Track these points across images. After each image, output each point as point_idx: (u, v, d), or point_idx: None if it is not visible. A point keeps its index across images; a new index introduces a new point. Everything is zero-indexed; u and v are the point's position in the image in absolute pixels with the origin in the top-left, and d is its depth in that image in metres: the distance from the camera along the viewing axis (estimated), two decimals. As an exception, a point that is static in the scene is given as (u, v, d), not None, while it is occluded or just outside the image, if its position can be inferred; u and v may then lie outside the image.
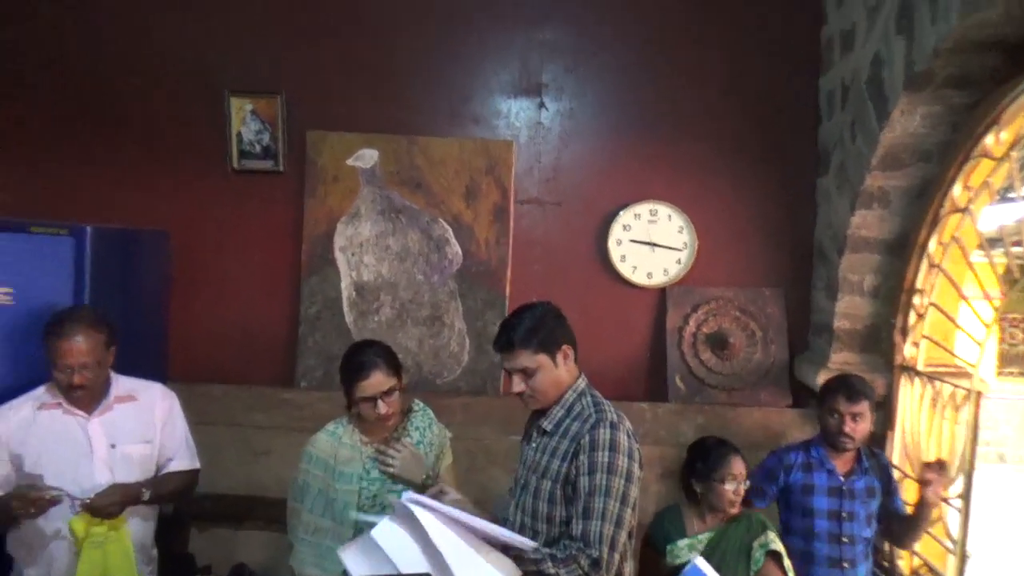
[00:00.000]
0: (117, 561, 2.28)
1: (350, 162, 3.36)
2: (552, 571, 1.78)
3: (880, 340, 2.97)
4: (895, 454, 2.85)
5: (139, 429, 2.41)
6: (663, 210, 3.29)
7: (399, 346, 3.35)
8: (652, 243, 3.28)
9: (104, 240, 2.73)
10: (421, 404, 2.42)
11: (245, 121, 3.39)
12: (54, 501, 2.16)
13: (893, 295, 2.89)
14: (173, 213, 3.36)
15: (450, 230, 3.36)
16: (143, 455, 2.41)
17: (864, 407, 2.52)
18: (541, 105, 3.38)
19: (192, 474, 2.55)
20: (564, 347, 1.98)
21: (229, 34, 3.40)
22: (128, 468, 2.35)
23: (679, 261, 3.29)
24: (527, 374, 1.95)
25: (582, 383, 2.02)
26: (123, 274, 2.89)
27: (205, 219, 3.41)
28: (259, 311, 3.43)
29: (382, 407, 2.18)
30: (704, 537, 2.43)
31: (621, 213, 3.29)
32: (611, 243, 3.29)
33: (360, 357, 2.22)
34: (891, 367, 2.90)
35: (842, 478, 2.55)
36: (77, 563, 2.20)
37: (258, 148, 3.41)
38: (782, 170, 3.29)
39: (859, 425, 2.51)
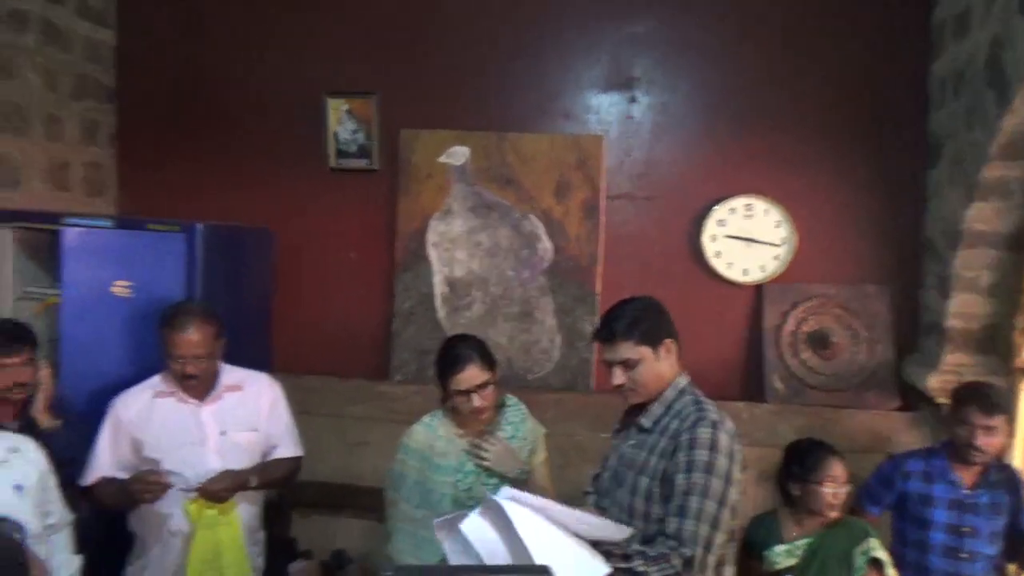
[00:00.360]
0: (228, 542, 2.40)
1: (442, 159, 3.41)
2: (643, 568, 1.74)
3: (998, 341, 2.79)
4: (1016, 464, 2.68)
5: (247, 417, 2.52)
6: (759, 204, 3.19)
7: (490, 342, 3.36)
8: (748, 238, 3.19)
9: (213, 237, 2.86)
10: (514, 399, 2.43)
11: (341, 121, 3.49)
12: (168, 486, 2.29)
13: (1012, 293, 2.71)
14: (276, 211, 3.50)
15: (541, 226, 3.36)
16: (250, 442, 2.51)
17: (999, 421, 2.36)
18: (632, 99, 3.34)
19: (296, 461, 2.65)
20: (666, 341, 1.94)
21: (326, 38, 3.51)
22: (237, 454, 2.46)
23: (777, 257, 3.18)
24: (628, 366, 1.92)
25: (683, 380, 1.98)
26: (230, 269, 3.03)
27: (305, 217, 3.54)
28: (356, 306, 3.53)
29: (476, 400, 2.21)
30: (802, 543, 2.35)
31: (715, 208, 3.21)
32: (705, 239, 3.22)
33: (455, 351, 2.26)
34: (1010, 370, 2.72)
35: (965, 491, 2.41)
36: (191, 543, 2.33)
37: (354, 147, 3.50)
38: (888, 161, 3.14)
39: (993, 439, 2.36)
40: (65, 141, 3.45)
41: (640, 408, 1.98)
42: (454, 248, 3.43)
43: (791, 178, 3.20)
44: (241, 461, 2.45)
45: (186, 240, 2.78)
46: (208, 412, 2.45)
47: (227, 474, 2.38)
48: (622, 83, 3.35)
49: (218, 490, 2.34)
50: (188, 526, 2.35)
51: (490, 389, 2.24)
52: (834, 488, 2.31)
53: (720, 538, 1.81)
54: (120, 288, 2.67)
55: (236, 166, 3.59)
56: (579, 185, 3.33)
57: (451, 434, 2.28)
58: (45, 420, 2.48)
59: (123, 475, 2.38)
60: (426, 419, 2.34)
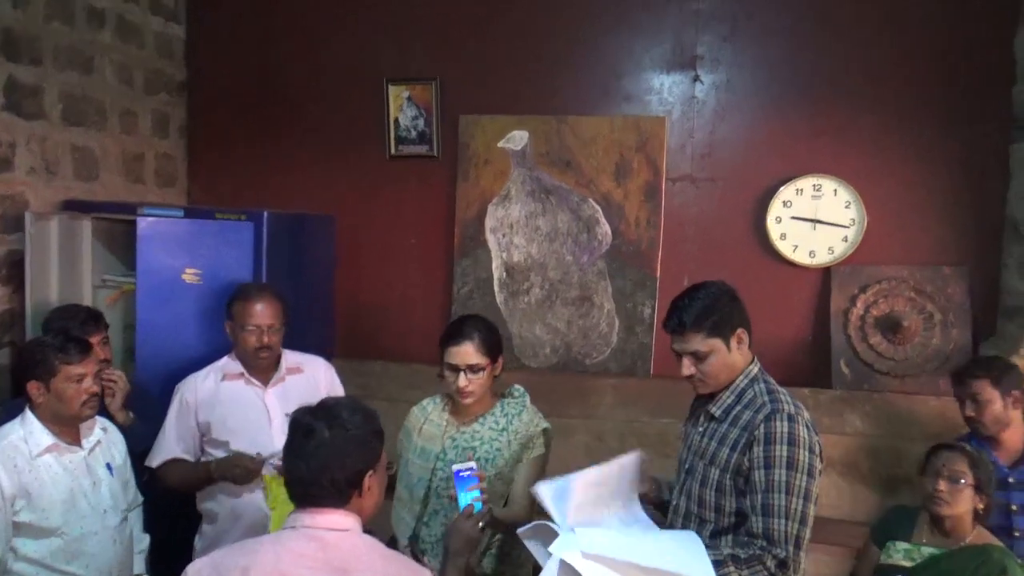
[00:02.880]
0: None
1: (501, 144, 3.40)
2: (735, 574, 1.69)
3: (1085, 325, 2.64)
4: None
5: (307, 398, 2.54)
6: (828, 184, 3.08)
7: (548, 326, 3.39)
8: (816, 220, 3.09)
9: (278, 224, 2.94)
10: (522, 390, 2.29)
11: (402, 108, 3.52)
12: (262, 465, 2.36)
13: (1102, 275, 2.56)
14: (338, 198, 3.56)
15: (600, 210, 3.33)
16: None
17: (980, 386, 2.35)
18: (696, 78, 3.26)
19: None
20: (739, 331, 1.85)
21: (387, 25, 3.54)
22: None
23: (845, 239, 3.07)
24: (698, 358, 1.85)
25: (755, 368, 1.89)
26: (295, 255, 3.10)
27: (366, 203, 3.59)
28: (415, 291, 3.58)
29: (462, 380, 2.12)
30: (927, 551, 2.16)
31: (781, 189, 3.12)
32: (770, 220, 3.13)
33: (461, 325, 2.21)
34: (1098, 355, 2.58)
35: (1006, 470, 2.33)
36: (270, 520, 2.39)
37: (414, 134, 3.53)
38: (966, 137, 2.99)
39: (983, 408, 2.36)
40: (139, 134, 3.58)
41: (711, 396, 1.91)
42: (512, 233, 3.43)
43: (862, 156, 3.08)
44: None
45: (253, 228, 2.85)
46: (272, 394, 2.52)
47: None
48: (685, 62, 3.27)
49: None
50: (261, 502, 2.42)
51: (482, 376, 2.13)
52: (941, 484, 2.12)
53: (809, 534, 1.75)
54: (190, 275, 2.77)
55: (299, 154, 3.66)
56: (640, 168, 3.28)
57: (442, 420, 2.22)
58: (121, 416, 2.60)
59: (189, 457, 2.47)
60: (425, 400, 2.31)
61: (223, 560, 1.45)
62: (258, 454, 2.40)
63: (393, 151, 3.56)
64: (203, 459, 2.48)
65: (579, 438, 3.24)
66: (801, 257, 3.12)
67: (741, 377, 1.87)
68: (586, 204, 3.34)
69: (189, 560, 2.46)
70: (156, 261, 2.74)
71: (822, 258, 3.10)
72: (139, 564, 2.29)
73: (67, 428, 2.12)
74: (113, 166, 3.43)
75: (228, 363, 2.53)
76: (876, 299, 3.02)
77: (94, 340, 2.51)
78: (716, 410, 1.88)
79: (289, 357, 2.60)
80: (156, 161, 3.69)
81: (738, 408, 1.85)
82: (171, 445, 2.46)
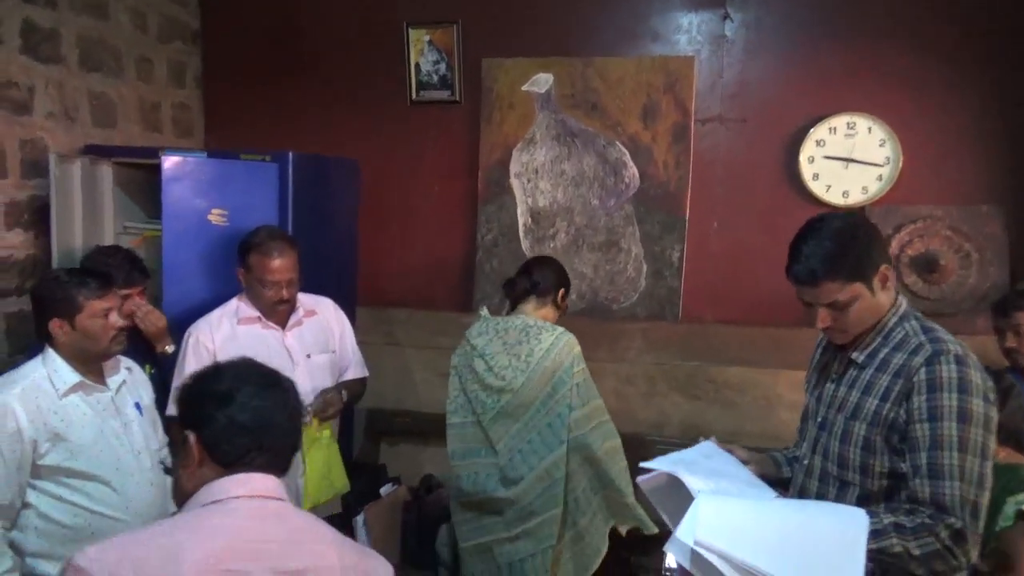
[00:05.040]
0: (333, 458, 2.47)
1: (525, 88, 3.33)
2: (899, 548, 1.44)
3: None
4: None
5: (325, 340, 2.57)
6: (862, 122, 3.01)
7: (574, 272, 3.34)
8: (850, 159, 3.02)
9: (303, 165, 2.88)
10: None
11: (423, 52, 3.45)
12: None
13: None
14: (359, 146, 3.49)
15: (627, 152, 3.27)
16: (331, 363, 2.57)
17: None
18: (725, 16, 3.18)
19: (364, 382, 2.73)
20: (882, 268, 1.59)
21: (406, -34, 3.46)
22: (323, 376, 2.51)
23: (880, 178, 3.01)
24: (837, 308, 1.58)
25: (903, 305, 1.64)
26: (320, 199, 3.06)
27: (388, 151, 3.53)
28: (439, 238, 3.53)
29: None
30: None
31: (814, 128, 3.05)
32: (802, 160, 3.07)
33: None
34: None
35: None
36: (305, 464, 2.38)
37: (435, 78, 3.46)
38: (1006, 72, 2.91)
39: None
40: (155, 82, 3.52)
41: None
42: (537, 178, 3.37)
43: (898, 94, 3.00)
44: (326, 381, 2.51)
45: (278, 169, 2.81)
46: (292, 337, 2.49)
47: (330, 393, 2.44)
48: (714, 0, 3.19)
49: (332, 411, 2.41)
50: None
51: None
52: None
53: (987, 498, 1.48)
54: (216, 216, 2.73)
55: (318, 102, 3.60)
56: (668, 109, 3.21)
57: None
58: (161, 345, 2.58)
59: None
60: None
61: (131, 550, 1.15)
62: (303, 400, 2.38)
63: (414, 97, 3.49)
64: None
65: (608, 382, 3.22)
66: (834, 197, 3.06)
67: (889, 314, 1.62)
68: (613, 147, 3.28)
69: None
70: (181, 202, 2.69)
71: (855, 198, 3.04)
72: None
73: (92, 367, 2.03)
74: (131, 114, 3.38)
75: (241, 306, 2.47)
76: (911, 238, 2.97)
77: (135, 292, 2.49)
78: (859, 355, 1.63)
79: (303, 300, 2.56)
80: (173, 110, 3.64)
81: (886, 351, 1.60)
82: None
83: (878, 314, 1.62)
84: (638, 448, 3.12)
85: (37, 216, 2.89)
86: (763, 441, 2.67)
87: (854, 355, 1.65)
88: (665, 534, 1.53)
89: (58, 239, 2.81)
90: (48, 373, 1.96)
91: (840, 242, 1.57)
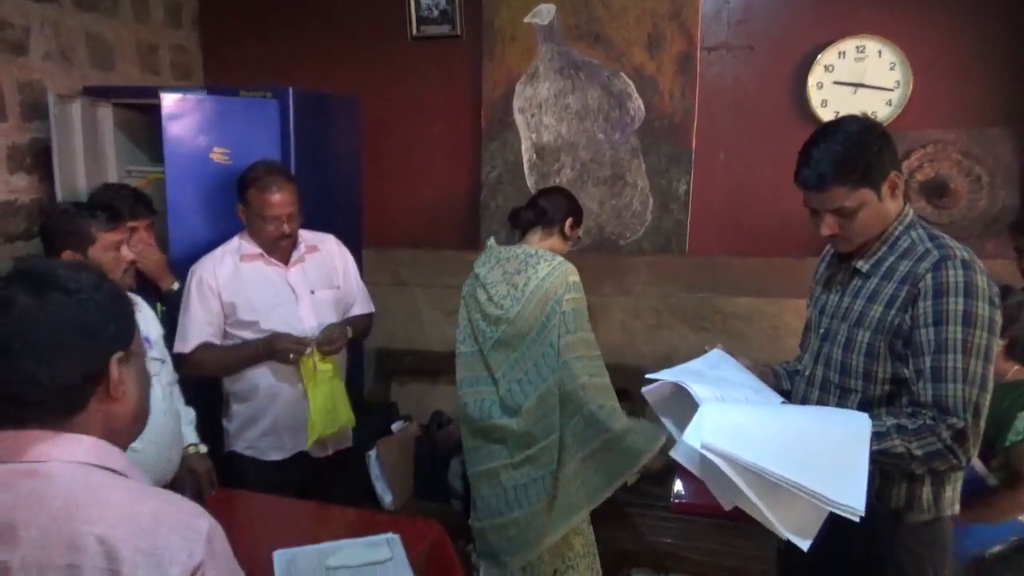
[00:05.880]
0: (338, 393, 2.49)
1: (527, 19, 3.27)
2: (901, 448, 1.46)
3: None
4: None
5: (328, 276, 2.57)
6: (872, 46, 2.94)
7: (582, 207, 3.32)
8: (859, 84, 2.96)
9: (304, 102, 2.85)
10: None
11: (422, -15, 3.37)
12: (308, 344, 2.36)
13: None
14: (361, 82, 3.44)
15: (632, 84, 3.21)
16: (335, 299, 2.58)
17: None
18: (731, -62, 3.09)
19: (370, 317, 2.74)
20: (891, 175, 1.57)
21: None
22: (328, 311, 2.52)
23: (889, 103, 2.96)
24: (843, 214, 1.57)
25: (910, 213, 1.62)
26: (321, 136, 3.03)
27: (389, 88, 3.48)
28: (443, 176, 3.50)
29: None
30: None
31: (822, 53, 2.99)
32: (810, 86, 3.01)
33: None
34: None
35: None
36: (308, 398, 2.41)
37: (436, 13, 3.39)
38: (1019, -9, 2.84)
39: None
40: (152, 23, 3.47)
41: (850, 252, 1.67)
42: (541, 113, 3.33)
43: (908, 14, 2.93)
44: (331, 317, 2.52)
45: (278, 105, 2.78)
46: (295, 273, 2.50)
47: (333, 327, 2.45)
48: (718, -78, 3.10)
49: (332, 342, 2.41)
50: (295, 382, 2.43)
51: None
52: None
53: (988, 399, 1.49)
54: (219, 154, 2.71)
55: (318, 40, 3.54)
56: (673, 37, 3.14)
57: None
58: (167, 282, 2.59)
59: (216, 340, 2.44)
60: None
61: None
62: (305, 336, 2.39)
63: (415, 32, 3.42)
64: (227, 342, 2.45)
65: (615, 316, 3.24)
66: (842, 124, 3.01)
67: (895, 223, 1.60)
68: (617, 79, 3.23)
69: (221, 443, 2.50)
70: (182, 141, 2.67)
71: (864, 124, 2.99)
72: (191, 435, 2.30)
73: None
74: (128, 56, 3.34)
75: (243, 244, 2.47)
76: (921, 163, 2.93)
77: (140, 224, 2.49)
78: (864, 264, 1.62)
79: (305, 236, 2.56)
80: (171, 53, 3.59)
81: (892, 259, 1.59)
82: (201, 328, 2.42)
83: (884, 222, 1.61)
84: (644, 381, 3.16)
85: (39, 160, 2.88)
86: (770, 369, 2.69)
87: (859, 264, 1.64)
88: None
89: (61, 182, 2.80)
90: None
91: (850, 146, 1.55)
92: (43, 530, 0.90)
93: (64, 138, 2.79)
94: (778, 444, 1.40)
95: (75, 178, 2.86)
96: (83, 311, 0.96)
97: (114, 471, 0.99)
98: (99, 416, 1.00)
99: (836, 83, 2.99)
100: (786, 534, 1.39)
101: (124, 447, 1.05)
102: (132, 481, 1.00)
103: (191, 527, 0.94)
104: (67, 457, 0.96)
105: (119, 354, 0.99)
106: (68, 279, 0.97)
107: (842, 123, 1.62)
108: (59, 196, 2.79)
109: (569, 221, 2.49)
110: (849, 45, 2.96)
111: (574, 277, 2.31)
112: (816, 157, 1.57)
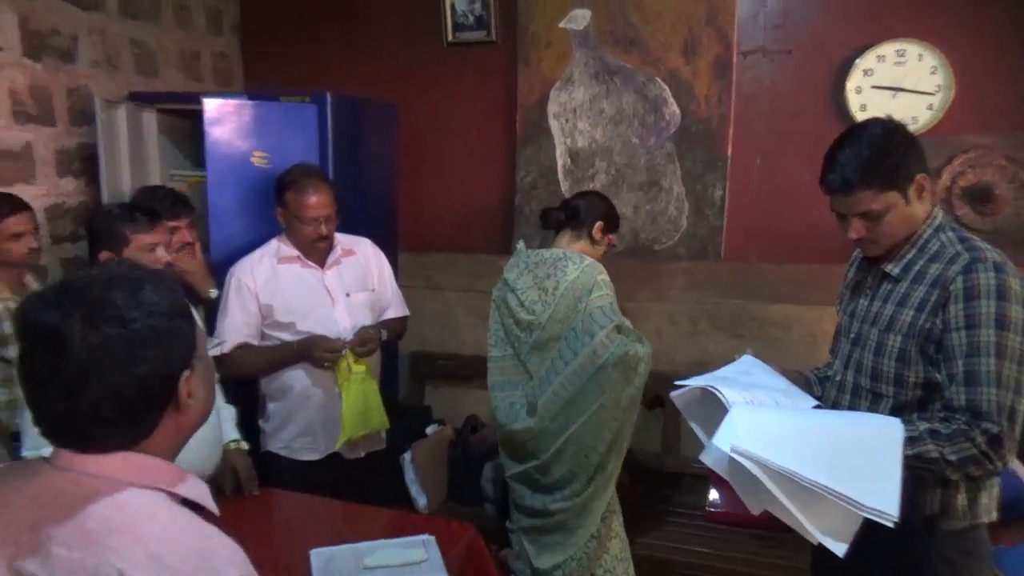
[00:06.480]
0: (371, 395, 2.50)
1: (562, 24, 3.28)
2: (935, 453, 1.44)
3: None
4: None
5: (362, 279, 2.59)
6: (912, 49, 2.90)
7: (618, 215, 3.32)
8: (899, 88, 2.92)
9: (342, 107, 2.89)
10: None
11: (458, -9, 3.40)
12: (344, 347, 2.39)
13: None
14: (398, 88, 3.49)
15: (667, 88, 3.20)
16: (370, 302, 2.60)
17: None
18: (768, -58, 3.07)
19: (405, 320, 2.75)
20: (918, 177, 1.55)
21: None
22: (363, 314, 2.54)
23: (931, 107, 2.91)
24: (870, 218, 1.56)
25: (940, 216, 1.60)
26: (359, 140, 3.07)
27: (425, 94, 3.52)
28: (478, 182, 3.52)
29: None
30: None
31: (861, 57, 2.95)
32: (849, 91, 2.97)
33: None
34: None
35: None
36: (342, 400, 2.43)
37: (471, 19, 3.42)
38: (1067, -8, 2.78)
39: None
40: (193, 30, 3.54)
41: (879, 255, 1.64)
42: (576, 118, 3.34)
43: (949, 17, 2.88)
44: (366, 319, 2.54)
45: (317, 110, 2.82)
46: (331, 276, 2.52)
47: (367, 330, 2.47)
48: (756, -74, 3.08)
49: (370, 347, 2.43)
50: (329, 383, 2.45)
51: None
52: None
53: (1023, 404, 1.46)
54: (259, 158, 2.76)
55: (356, 47, 3.59)
56: (709, 42, 3.13)
57: None
58: (205, 286, 2.64)
59: (253, 341, 2.47)
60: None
61: None
62: (340, 338, 2.42)
63: (451, 38, 3.45)
64: (264, 343, 2.49)
65: (651, 322, 3.22)
66: (882, 129, 2.97)
67: (925, 226, 1.58)
68: (652, 84, 3.22)
69: (257, 442, 2.53)
70: (223, 145, 2.72)
71: (905, 129, 2.95)
72: (232, 431, 2.33)
73: None
74: (172, 62, 3.42)
75: (281, 246, 2.50)
76: (964, 169, 2.88)
77: (181, 223, 2.54)
78: (893, 268, 1.60)
79: (341, 239, 2.58)
80: (212, 60, 3.66)
81: (922, 262, 1.57)
82: (238, 329, 2.45)
83: (913, 225, 1.59)
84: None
85: (86, 164, 2.96)
86: (807, 377, 2.65)
87: (888, 268, 1.62)
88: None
89: (107, 185, 2.87)
90: None
91: (876, 149, 1.54)
92: (73, 551, 0.87)
93: (110, 142, 2.87)
94: (809, 447, 1.37)
95: (120, 181, 2.93)
96: (143, 346, 0.91)
97: (173, 495, 0.95)
98: (171, 428, 0.98)
99: (875, 87, 2.95)
100: (820, 538, 1.36)
101: (184, 444, 1.04)
102: (183, 513, 0.94)
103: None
104: (126, 477, 0.93)
105: (186, 373, 0.96)
106: (125, 307, 0.91)
107: (867, 126, 1.61)
108: (105, 199, 2.86)
109: (599, 225, 2.43)
110: (889, 49, 2.92)
111: (601, 276, 2.28)
112: (841, 161, 1.56)
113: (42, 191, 2.82)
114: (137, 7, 3.20)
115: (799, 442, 1.40)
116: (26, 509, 0.91)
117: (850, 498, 1.32)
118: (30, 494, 0.92)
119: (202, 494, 1.00)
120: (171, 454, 1.01)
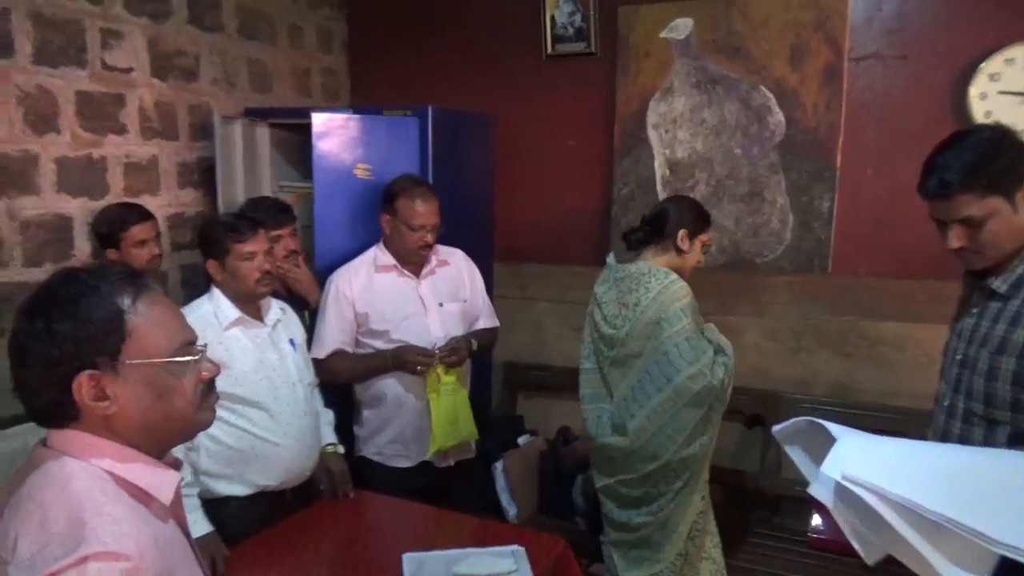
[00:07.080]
0: (461, 405, 2.53)
1: (663, 34, 3.24)
2: None
3: None
4: None
5: (455, 290, 2.62)
6: (1046, 52, 2.70)
7: (715, 225, 3.21)
8: (1029, 92, 2.72)
9: (442, 119, 2.95)
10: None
11: (558, 4, 3.42)
12: (435, 356, 2.42)
13: None
14: (496, 100, 3.53)
15: (772, 97, 3.10)
16: (462, 312, 2.62)
17: None
18: (884, -57, 2.93)
19: (495, 331, 2.76)
20: None
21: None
22: (455, 324, 2.57)
23: (1065, 113, 2.70)
24: (971, 225, 1.47)
25: None
26: (458, 152, 3.12)
27: (523, 105, 3.55)
28: (574, 192, 3.52)
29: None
30: None
31: (987, 61, 2.77)
32: (972, 97, 2.79)
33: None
34: None
35: None
36: (431, 409, 2.46)
37: (571, 31, 3.43)
38: None
39: None
40: (305, 48, 3.71)
41: (989, 269, 1.55)
42: (676, 128, 3.28)
43: (1089, 16, 2.67)
44: (457, 329, 2.56)
45: (418, 123, 2.89)
46: (425, 285, 2.55)
47: (458, 340, 2.50)
48: (870, -74, 2.95)
49: (459, 357, 2.46)
50: (421, 393, 2.48)
51: None
52: None
53: None
54: (362, 170, 2.85)
55: (457, 61, 3.66)
56: (818, 48, 3.01)
57: None
58: (315, 297, 2.73)
59: (348, 348, 2.52)
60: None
61: None
62: (434, 346, 2.45)
63: (550, 50, 3.47)
64: (359, 350, 2.53)
65: (750, 336, 3.12)
66: (1010, 137, 2.77)
67: None
68: (756, 92, 3.13)
69: (352, 446, 2.59)
70: (330, 158, 2.83)
71: (1036, 136, 2.74)
72: (330, 435, 2.40)
73: (248, 305, 2.19)
74: (284, 79, 3.59)
75: (379, 255, 2.55)
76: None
77: (284, 232, 2.65)
78: (1000, 284, 1.51)
79: (436, 250, 2.61)
80: (321, 76, 3.82)
81: None
82: (335, 335, 2.51)
83: (1021, 236, 1.48)
84: (779, 407, 3.01)
85: (204, 176, 3.14)
86: (923, 402, 2.46)
87: (995, 284, 1.52)
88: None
89: (223, 196, 3.03)
90: (213, 308, 2.15)
91: (981, 152, 1.46)
92: (4, 518, 0.97)
93: (226, 156, 3.03)
94: (929, 476, 1.26)
95: (235, 192, 3.08)
96: (37, 342, 1.00)
97: (117, 478, 1.01)
98: (98, 422, 1.03)
99: (1002, 93, 2.76)
100: (950, 574, 1.26)
101: (167, 448, 1.10)
102: (105, 490, 0.99)
103: (109, 556, 0.91)
104: (68, 450, 1.02)
105: (86, 372, 1.00)
106: (50, 307, 1.01)
107: (974, 131, 1.54)
108: (220, 209, 3.02)
109: (682, 233, 2.32)
110: (1019, 51, 2.73)
111: (686, 299, 2.21)
112: (941, 164, 1.50)
113: (164, 201, 3.01)
114: (255, 28, 3.38)
115: (918, 469, 1.29)
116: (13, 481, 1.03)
117: (979, 532, 1.21)
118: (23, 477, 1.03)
119: (153, 482, 1.05)
120: (140, 443, 1.06)
